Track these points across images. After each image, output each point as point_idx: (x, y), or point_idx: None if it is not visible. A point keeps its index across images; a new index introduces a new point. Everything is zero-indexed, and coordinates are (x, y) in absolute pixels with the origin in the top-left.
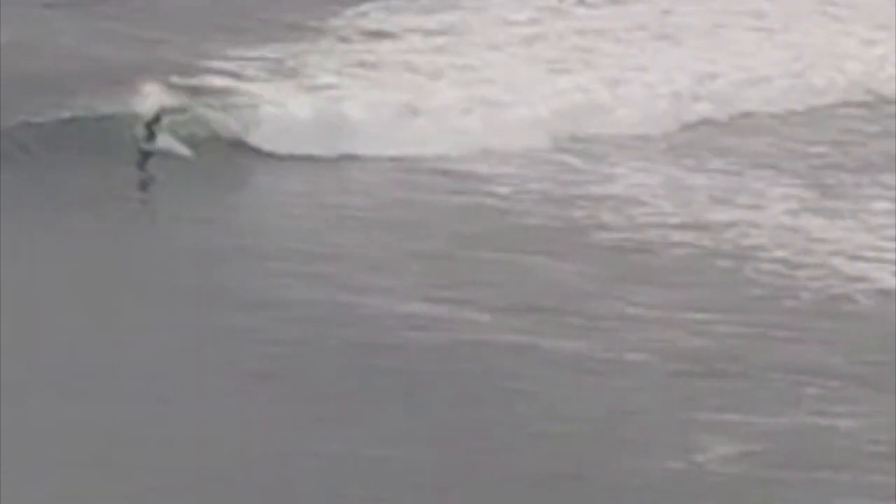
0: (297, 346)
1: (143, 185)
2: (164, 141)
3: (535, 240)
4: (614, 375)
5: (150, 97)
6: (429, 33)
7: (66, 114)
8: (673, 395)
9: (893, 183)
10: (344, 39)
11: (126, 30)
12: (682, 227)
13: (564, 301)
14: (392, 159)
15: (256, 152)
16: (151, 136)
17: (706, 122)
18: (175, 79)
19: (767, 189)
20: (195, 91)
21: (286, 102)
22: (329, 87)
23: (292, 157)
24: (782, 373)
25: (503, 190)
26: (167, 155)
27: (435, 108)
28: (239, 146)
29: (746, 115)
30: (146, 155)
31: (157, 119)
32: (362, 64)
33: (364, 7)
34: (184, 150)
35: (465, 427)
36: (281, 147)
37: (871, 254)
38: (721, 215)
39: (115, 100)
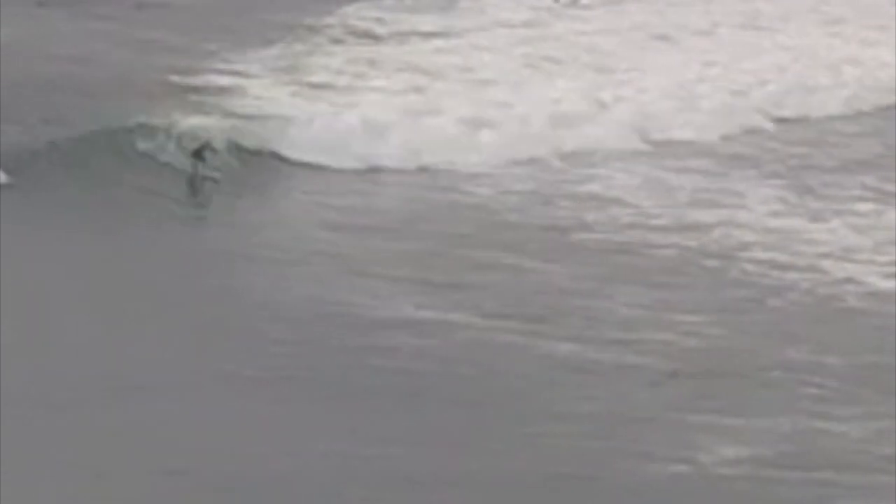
0: (294, 347)
1: (201, 206)
2: (212, 165)
3: (525, 242)
4: (610, 377)
5: (186, 116)
6: (425, 34)
7: (99, 124)
8: (671, 396)
9: (876, 184)
10: (342, 40)
11: (123, 30)
12: (676, 228)
13: (557, 302)
14: (418, 169)
15: (281, 161)
16: (201, 161)
17: (703, 124)
18: (175, 78)
19: (752, 190)
20: (196, 91)
21: (309, 112)
22: (330, 87)
23: (310, 166)
24: (779, 374)
25: (496, 193)
26: (217, 177)
27: (441, 115)
28: (263, 155)
29: (743, 118)
30: (199, 181)
31: (203, 147)
32: (363, 65)
33: (361, 6)
34: (234, 165)
35: (462, 428)
36: (309, 157)
37: (859, 255)
38: (707, 216)
39: (149, 111)
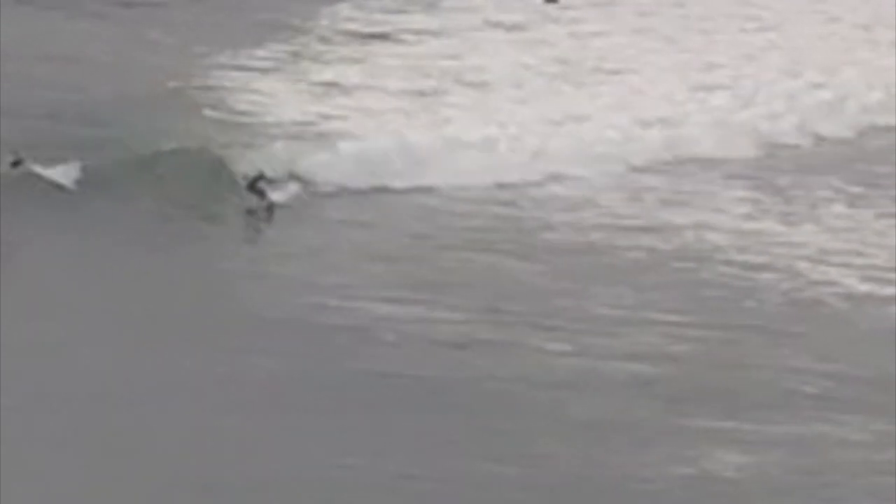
0: (288, 353)
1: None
2: (274, 195)
3: (518, 244)
4: (600, 379)
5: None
6: (418, 34)
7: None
8: (665, 398)
9: (842, 186)
10: (335, 40)
11: (115, 30)
12: (658, 230)
13: (536, 302)
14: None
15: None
16: (260, 194)
17: (696, 125)
18: (173, 83)
19: (725, 192)
20: (197, 91)
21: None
22: (330, 85)
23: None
24: (771, 377)
25: (482, 195)
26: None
27: (446, 123)
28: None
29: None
30: (259, 212)
31: (258, 178)
32: (362, 66)
33: (347, 5)
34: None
35: (454, 430)
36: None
37: (835, 258)
38: (682, 218)
39: (177, 130)
